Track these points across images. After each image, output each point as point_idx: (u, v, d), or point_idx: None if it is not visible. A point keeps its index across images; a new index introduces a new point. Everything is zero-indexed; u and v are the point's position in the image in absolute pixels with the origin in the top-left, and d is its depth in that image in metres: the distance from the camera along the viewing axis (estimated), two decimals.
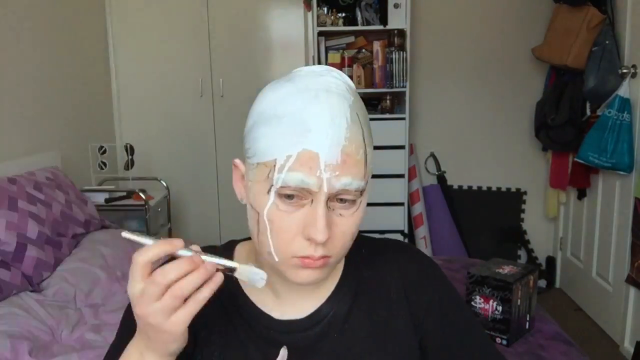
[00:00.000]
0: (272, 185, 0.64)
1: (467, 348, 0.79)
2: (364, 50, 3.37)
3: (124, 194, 2.90)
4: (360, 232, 0.79)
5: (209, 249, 0.81)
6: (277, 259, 0.67)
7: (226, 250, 0.80)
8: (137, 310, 0.60)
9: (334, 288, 0.77)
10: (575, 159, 2.88)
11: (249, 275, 0.63)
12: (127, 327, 0.72)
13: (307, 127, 0.62)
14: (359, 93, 3.10)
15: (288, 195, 0.64)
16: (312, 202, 0.64)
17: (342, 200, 0.65)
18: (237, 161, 0.72)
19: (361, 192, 0.66)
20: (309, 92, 0.65)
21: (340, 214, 0.66)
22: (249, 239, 0.79)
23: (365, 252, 0.80)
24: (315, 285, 0.74)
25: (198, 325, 0.74)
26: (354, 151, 0.64)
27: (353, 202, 0.67)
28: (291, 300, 0.75)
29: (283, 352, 0.73)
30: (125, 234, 0.62)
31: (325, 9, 3.24)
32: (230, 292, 0.76)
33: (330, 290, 0.77)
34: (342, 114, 0.64)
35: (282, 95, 0.66)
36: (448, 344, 0.79)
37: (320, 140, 0.62)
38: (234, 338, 0.74)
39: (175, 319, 0.59)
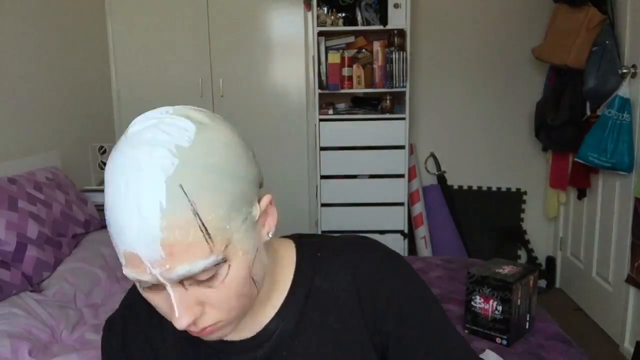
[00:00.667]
0: None
1: (433, 351, 0.73)
2: (364, 50, 3.36)
3: None
4: (358, 232, 0.78)
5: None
6: None
7: None
8: None
9: (281, 303, 0.72)
10: (575, 159, 2.88)
11: None
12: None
13: (120, 227, 0.57)
14: (359, 93, 3.06)
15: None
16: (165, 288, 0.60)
17: (195, 279, 0.59)
18: None
19: (217, 264, 0.58)
20: (119, 180, 0.56)
21: (209, 286, 0.60)
22: None
23: (320, 255, 0.75)
24: (261, 303, 0.71)
25: (151, 348, 0.76)
26: (178, 238, 0.56)
27: (215, 275, 0.59)
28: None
29: None
30: None
31: (325, 9, 3.24)
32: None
33: (277, 306, 0.73)
34: (151, 201, 0.55)
35: (107, 177, 0.59)
36: (411, 349, 0.72)
37: (133, 240, 0.56)
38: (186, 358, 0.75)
39: None
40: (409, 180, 3.36)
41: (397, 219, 3.30)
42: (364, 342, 0.72)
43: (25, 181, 2.11)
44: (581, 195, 3.13)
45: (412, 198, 3.43)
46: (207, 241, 0.57)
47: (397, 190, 3.28)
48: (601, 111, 2.71)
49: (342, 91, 3.24)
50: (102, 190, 2.85)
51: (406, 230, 3.32)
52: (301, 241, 0.78)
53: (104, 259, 2.14)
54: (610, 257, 2.78)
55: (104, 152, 3.02)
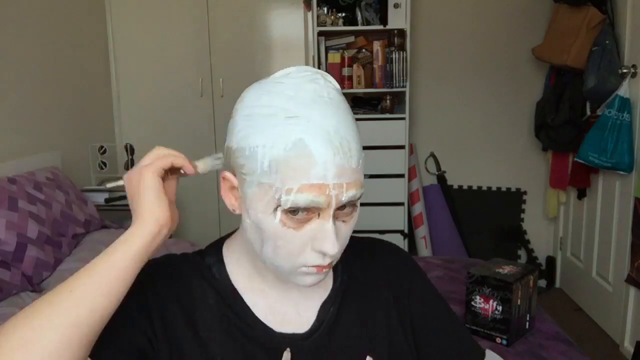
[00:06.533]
0: (279, 206, 0.64)
1: (448, 331, 0.84)
2: (364, 50, 3.37)
3: (124, 193, 2.89)
4: (360, 232, 0.80)
5: (201, 251, 0.80)
6: (283, 270, 0.69)
7: (215, 248, 0.79)
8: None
9: (328, 294, 0.79)
10: (575, 159, 2.88)
11: (209, 166, 0.71)
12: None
13: (311, 154, 0.64)
14: (359, 93, 3.07)
15: (294, 211, 0.64)
16: (319, 215, 0.65)
17: (344, 207, 0.66)
18: (228, 175, 0.70)
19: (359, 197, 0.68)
20: (303, 106, 0.63)
21: (344, 221, 0.68)
22: (233, 232, 0.79)
23: (353, 249, 0.80)
24: (304, 295, 0.77)
25: (200, 331, 0.72)
26: (354, 165, 0.65)
27: (354, 206, 0.68)
28: (285, 310, 0.76)
29: (286, 355, 0.73)
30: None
31: (325, 9, 3.24)
32: (230, 301, 0.75)
33: (322, 297, 0.78)
34: (341, 129, 0.64)
35: (270, 107, 0.65)
36: (433, 325, 0.83)
37: (328, 163, 0.64)
38: (234, 344, 0.73)
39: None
40: (409, 180, 3.36)
41: (397, 219, 3.30)
42: (394, 326, 0.80)
43: (25, 181, 2.11)
44: (581, 195, 3.13)
45: (412, 198, 3.43)
46: (362, 173, 0.67)
47: (397, 190, 3.28)
48: (601, 111, 2.71)
49: (342, 91, 3.23)
50: (102, 190, 2.82)
51: (406, 230, 3.32)
52: None
53: None
54: (610, 257, 2.78)
55: (104, 152, 3.02)
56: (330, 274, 0.80)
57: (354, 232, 0.72)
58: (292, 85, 0.65)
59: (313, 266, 0.67)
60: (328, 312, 0.77)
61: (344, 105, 0.67)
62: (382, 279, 0.82)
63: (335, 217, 0.66)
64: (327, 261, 0.67)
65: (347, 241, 0.70)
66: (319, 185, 0.62)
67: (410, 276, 0.84)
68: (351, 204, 0.67)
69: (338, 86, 0.70)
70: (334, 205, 0.64)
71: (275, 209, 0.64)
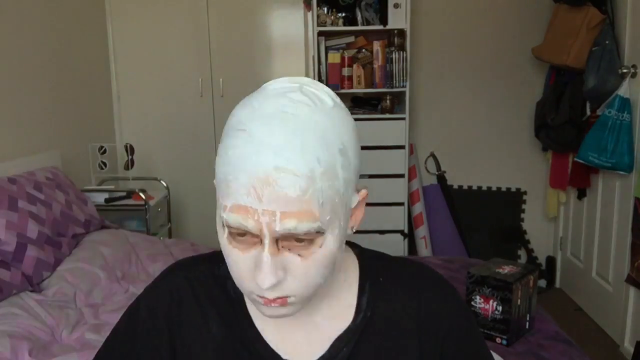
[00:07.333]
0: (223, 221, 0.61)
1: None
2: (364, 50, 3.36)
3: (124, 194, 2.90)
4: (360, 232, 0.77)
5: (211, 254, 0.78)
6: (244, 293, 0.65)
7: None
8: None
9: (345, 329, 0.72)
10: (575, 159, 2.88)
11: None
12: (125, 332, 0.74)
13: (244, 169, 0.58)
14: (359, 93, 3.05)
15: (239, 233, 0.59)
16: (261, 241, 0.59)
17: (299, 240, 0.59)
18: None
19: (318, 231, 0.59)
20: (256, 120, 0.58)
21: (299, 254, 0.60)
22: None
23: (382, 280, 0.75)
24: (318, 326, 0.71)
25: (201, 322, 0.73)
26: (298, 192, 0.56)
27: (311, 240, 0.59)
28: (296, 339, 0.72)
29: None
30: None
31: (325, 9, 3.24)
32: (240, 324, 0.73)
33: (338, 331, 0.72)
34: (287, 150, 0.56)
35: (241, 123, 0.60)
36: None
37: (253, 183, 0.57)
38: None
39: None
40: (409, 180, 3.36)
41: (397, 219, 3.30)
42: None
43: (25, 181, 2.11)
44: (581, 195, 3.13)
45: (412, 198, 3.43)
46: (318, 204, 0.57)
47: (397, 190, 3.28)
48: (601, 111, 2.71)
49: (342, 91, 3.24)
50: (102, 191, 2.82)
51: (406, 230, 3.32)
52: (363, 257, 0.77)
53: (104, 259, 2.14)
54: (610, 257, 2.78)
55: (104, 152, 3.02)
56: (353, 306, 0.72)
57: (356, 232, 0.70)
58: (262, 97, 0.61)
59: (259, 296, 0.61)
60: (341, 350, 0.71)
61: (312, 125, 0.58)
62: (411, 319, 0.73)
63: (287, 249, 0.59)
64: (271, 295, 0.60)
65: (310, 280, 0.61)
66: (247, 208, 0.57)
67: (451, 319, 0.74)
68: (304, 237, 0.58)
69: (326, 100, 0.62)
70: (266, 234, 0.57)
71: (223, 225, 0.61)
